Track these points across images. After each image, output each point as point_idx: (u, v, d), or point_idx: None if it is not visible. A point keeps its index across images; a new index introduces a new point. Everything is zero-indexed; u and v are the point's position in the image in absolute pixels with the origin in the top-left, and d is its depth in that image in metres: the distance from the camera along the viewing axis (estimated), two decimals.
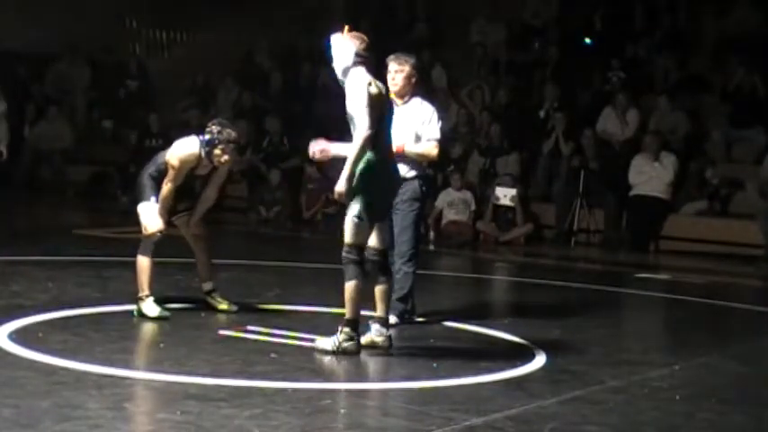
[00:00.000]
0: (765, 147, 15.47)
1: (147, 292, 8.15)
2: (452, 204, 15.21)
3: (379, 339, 7.30)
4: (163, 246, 8.27)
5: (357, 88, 7.09)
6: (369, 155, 7.08)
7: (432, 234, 14.98)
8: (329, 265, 11.38)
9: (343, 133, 7.49)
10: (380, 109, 7.13)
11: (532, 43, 18.96)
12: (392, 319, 7.89)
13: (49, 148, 19.01)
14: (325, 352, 7.12)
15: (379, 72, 7.57)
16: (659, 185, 14.99)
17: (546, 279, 12.05)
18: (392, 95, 7.86)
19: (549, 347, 7.75)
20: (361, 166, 7.07)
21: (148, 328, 7.94)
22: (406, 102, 8.29)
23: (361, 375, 6.90)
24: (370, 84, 7.10)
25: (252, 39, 20.60)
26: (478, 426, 5.74)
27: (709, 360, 7.96)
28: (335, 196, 7.21)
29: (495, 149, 16.22)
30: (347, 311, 7.14)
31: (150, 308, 8.11)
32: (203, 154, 8.13)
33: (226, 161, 8.20)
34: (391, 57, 8.28)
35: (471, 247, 14.85)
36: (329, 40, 7.31)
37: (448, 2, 20.50)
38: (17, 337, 7.19)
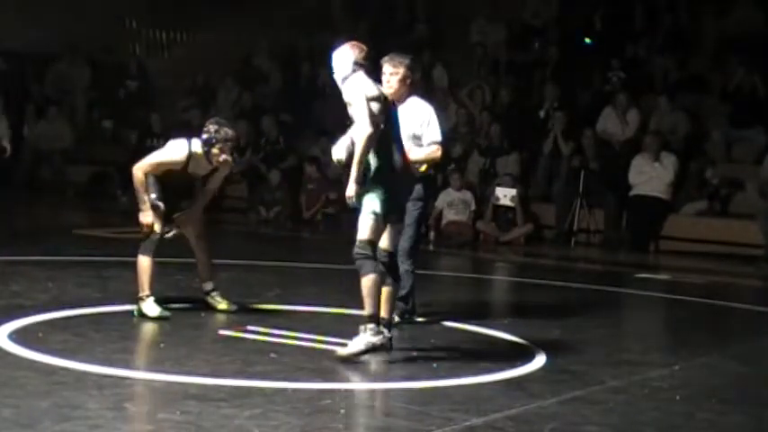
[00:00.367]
0: (765, 147, 15.46)
1: (147, 292, 8.15)
2: (452, 204, 15.21)
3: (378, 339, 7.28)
4: (163, 246, 8.27)
5: (355, 91, 7.12)
6: (380, 158, 7.07)
7: (432, 234, 14.98)
8: (329, 265, 11.44)
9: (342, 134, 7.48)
10: (381, 110, 7.14)
11: (532, 43, 18.96)
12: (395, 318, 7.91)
13: (49, 148, 19.01)
14: (356, 355, 7.01)
15: (377, 77, 7.59)
16: (659, 185, 14.99)
17: (546, 279, 12.04)
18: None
19: (549, 347, 7.75)
20: (374, 166, 7.06)
21: (148, 328, 7.94)
22: (402, 103, 8.27)
23: (361, 375, 6.89)
24: (368, 86, 7.13)
25: (252, 39, 20.60)
26: (478, 426, 5.74)
27: (710, 360, 7.96)
28: (346, 201, 7.18)
29: (495, 149, 16.22)
30: (366, 307, 7.06)
31: (151, 308, 8.11)
32: (202, 154, 8.13)
33: (225, 160, 8.20)
34: (385, 58, 8.25)
35: (471, 248, 14.85)
36: (332, 53, 7.35)
37: (448, 2, 20.49)
38: (17, 337, 7.19)
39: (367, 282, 7.05)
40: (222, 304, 8.53)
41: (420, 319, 8.55)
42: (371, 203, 7.09)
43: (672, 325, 10.20)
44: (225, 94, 19.55)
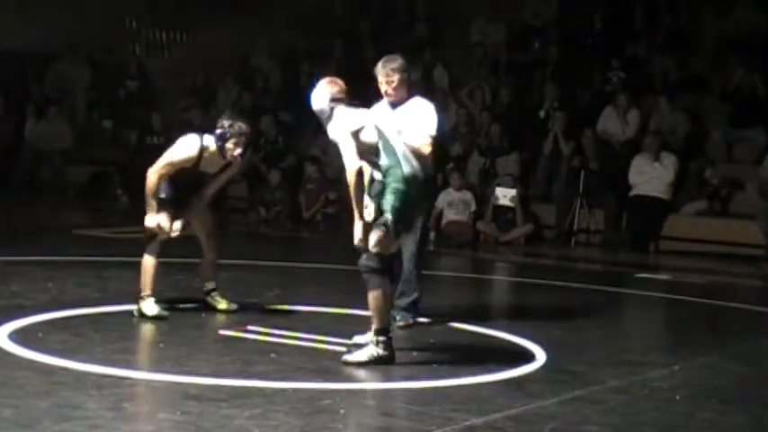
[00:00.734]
0: (765, 147, 15.45)
1: (148, 291, 8.15)
2: (452, 204, 15.20)
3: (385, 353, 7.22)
4: (163, 246, 8.26)
5: (338, 130, 7.09)
6: (389, 172, 7.02)
7: (432, 234, 14.96)
8: (329, 265, 11.44)
9: None
10: (372, 134, 7.05)
11: (532, 43, 18.95)
12: (409, 320, 8.23)
13: (48, 148, 19.00)
14: (360, 363, 6.97)
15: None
16: (659, 186, 14.99)
17: (546, 279, 12.04)
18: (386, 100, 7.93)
19: (549, 347, 7.74)
20: (393, 186, 6.96)
21: (148, 328, 7.94)
22: (403, 104, 8.25)
23: (361, 375, 6.89)
24: (350, 120, 7.07)
25: (251, 39, 20.60)
26: (478, 426, 5.74)
27: (709, 360, 7.96)
28: (356, 242, 7.07)
29: (495, 149, 16.22)
30: (376, 321, 6.99)
31: (149, 307, 8.11)
32: (215, 149, 8.14)
33: (240, 155, 8.23)
34: (378, 67, 8.21)
35: (471, 248, 14.84)
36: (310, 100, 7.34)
37: (448, 2, 20.49)
38: (17, 337, 7.18)
39: (375, 297, 6.97)
40: (222, 304, 8.54)
41: (422, 320, 8.55)
42: (384, 216, 7.04)
43: (672, 325, 10.19)
44: (225, 94, 19.54)
